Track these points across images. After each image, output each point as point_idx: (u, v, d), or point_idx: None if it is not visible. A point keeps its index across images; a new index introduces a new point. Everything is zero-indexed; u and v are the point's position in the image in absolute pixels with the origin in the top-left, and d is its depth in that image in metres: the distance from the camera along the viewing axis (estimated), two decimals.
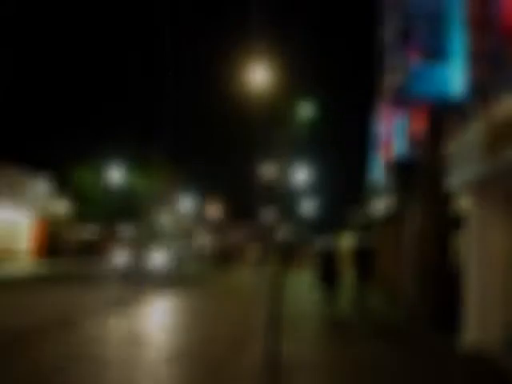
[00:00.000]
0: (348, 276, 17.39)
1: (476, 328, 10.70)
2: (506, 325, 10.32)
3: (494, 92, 9.57)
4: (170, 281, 27.20)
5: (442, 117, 13.20)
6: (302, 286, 23.89)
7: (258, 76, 32.52)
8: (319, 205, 60.49)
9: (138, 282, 25.52)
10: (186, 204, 66.71)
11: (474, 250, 10.88)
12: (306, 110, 36.60)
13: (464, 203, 11.80)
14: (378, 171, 23.72)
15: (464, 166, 10.70)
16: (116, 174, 43.44)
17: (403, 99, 14.54)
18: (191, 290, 22.08)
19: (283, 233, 52.02)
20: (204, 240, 73.61)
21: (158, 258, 37.29)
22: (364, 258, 16.52)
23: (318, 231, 49.35)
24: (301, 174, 38.79)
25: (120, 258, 35.73)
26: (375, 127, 24.78)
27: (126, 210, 47.32)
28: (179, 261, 41.13)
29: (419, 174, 14.43)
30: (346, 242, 36.47)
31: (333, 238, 39.79)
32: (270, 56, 33.10)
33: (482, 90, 10.42)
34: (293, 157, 39.94)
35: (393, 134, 19.76)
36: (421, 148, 14.40)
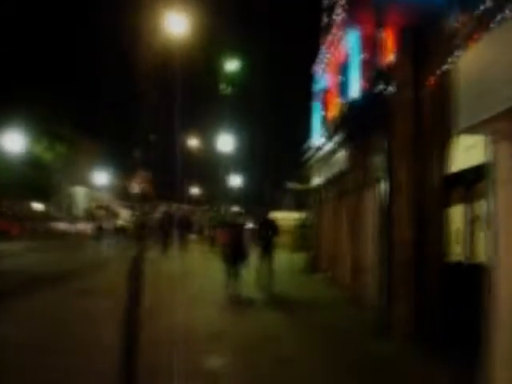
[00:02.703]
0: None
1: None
2: None
3: None
4: None
5: (434, 24, 8.59)
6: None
7: (175, 25, 27.28)
8: (249, 178, 55.71)
9: None
10: (103, 179, 60.03)
11: (506, 232, 6.35)
12: (233, 65, 31.41)
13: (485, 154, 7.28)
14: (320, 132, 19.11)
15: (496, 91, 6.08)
16: (15, 141, 36.25)
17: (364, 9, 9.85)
18: None
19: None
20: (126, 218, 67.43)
21: None
22: (269, 231, 14.78)
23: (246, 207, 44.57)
24: (228, 143, 33.52)
25: None
26: (319, 77, 20.05)
27: (30, 184, 40.50)
28: None
29: (392, 117, 9.78)
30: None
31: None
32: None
33: None
34: (219, 123, 34.72)
35: (341, 76, 15.15)
36: (395, 79, 9.72)
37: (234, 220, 15.11)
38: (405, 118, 9.40)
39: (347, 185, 14.05)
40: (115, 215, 54.61)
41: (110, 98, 56.80)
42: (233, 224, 14.33)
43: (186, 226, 28.74)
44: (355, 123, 11.55)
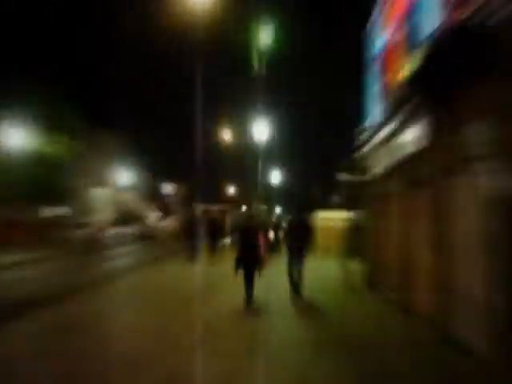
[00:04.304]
0: None
1: None
2: None
3: None
4: None
5: None
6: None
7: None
8: (291, 172, 51.47)
9: None
10: (126, 179, 53.89)
11: None
12: (267, 37, 27.27)
13: None
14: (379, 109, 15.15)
15: None
16: (18, 137, 31.25)
17: None
18: None
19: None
20: (155, 221, 61.49)
21: None
22: (302, 233, 13.31)
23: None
24: (264, 132, 29.15)
25: None
26: (375, 38, 16.08)
27: (40, 186, 35.62)
28: None
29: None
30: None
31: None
32: None
33: None
34: (254, 109, 30.74)
35: (410, 22, 11.24)
36: None
37: (246, 222, 12.89)
38: None
39: (425, 171, 10.00)
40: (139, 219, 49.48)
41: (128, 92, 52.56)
42: (246, 226, 12.64)
43: (217, 229, 25.17)
44: (441, 74, 7.59)
